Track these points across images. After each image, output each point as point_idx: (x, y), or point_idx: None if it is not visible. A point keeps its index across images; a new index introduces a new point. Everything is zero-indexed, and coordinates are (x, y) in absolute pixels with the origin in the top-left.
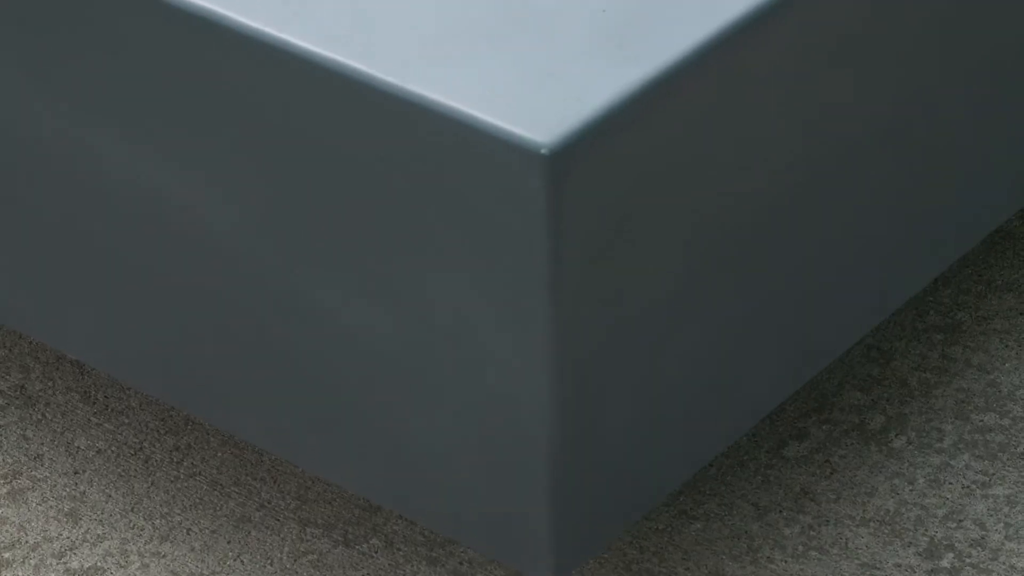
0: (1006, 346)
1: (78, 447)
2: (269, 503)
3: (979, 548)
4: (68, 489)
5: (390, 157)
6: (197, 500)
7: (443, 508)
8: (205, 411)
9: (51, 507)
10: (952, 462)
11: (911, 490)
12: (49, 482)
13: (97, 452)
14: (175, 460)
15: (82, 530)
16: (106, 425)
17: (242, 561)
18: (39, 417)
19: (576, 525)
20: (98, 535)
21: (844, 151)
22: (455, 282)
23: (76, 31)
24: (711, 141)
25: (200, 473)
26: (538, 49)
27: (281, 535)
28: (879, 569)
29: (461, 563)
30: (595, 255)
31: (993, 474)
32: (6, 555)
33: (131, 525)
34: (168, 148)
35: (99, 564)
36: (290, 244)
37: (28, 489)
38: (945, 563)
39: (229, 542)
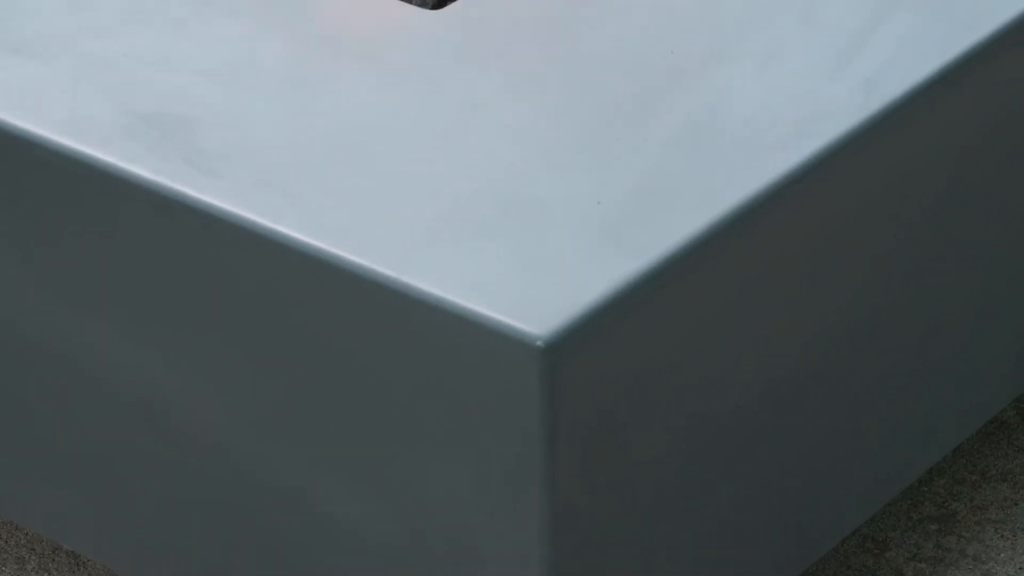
0: (1001, 536)
1: None
2: None
3: None
4: None
5: (384, 348)
6: None
7: None
8: None
9: None
10: None
11: None
12: None
13: None
14: None
15: None
16: None
17: None
18: None
19: None
20: None
21: (839, 342)
22: (450, 473)
23: (70, 222)
24: (707, 333)
25: None
26: (534, 241)
27: None
28: None
29: None
30: (590, 446)
31: None
32: None
33: None
34: (163, 340)
35: None
36: (285, 437)
37: None
38: None
39: None
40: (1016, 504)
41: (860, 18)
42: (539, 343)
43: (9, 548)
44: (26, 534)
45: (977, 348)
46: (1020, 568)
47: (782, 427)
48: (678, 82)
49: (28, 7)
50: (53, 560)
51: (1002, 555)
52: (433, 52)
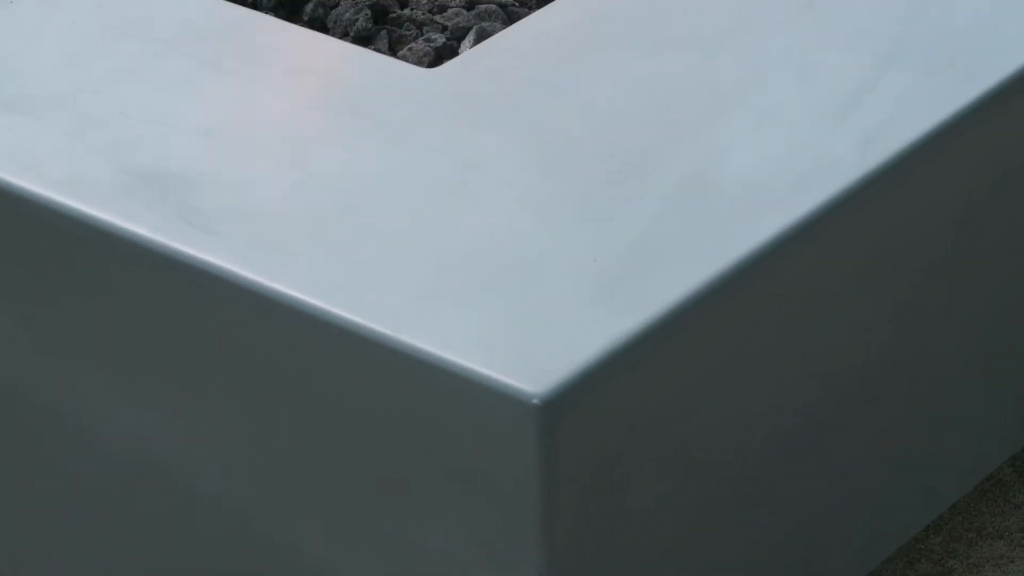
0: None
1: None
2: None
3: None
4: None
5: (382, 405)
6: None
7: None
8: None
9: None
10: None
11: None
12: None
13: None
14: None
15: None
16: None
17: None
18: None
19: None
20: None
21: (837, 400)
22: (448, 529)
23: (68, 280)
24: (704, 390)
25: None
26: (530, 298)
27: None
28: None
29: None
30: (587, 502)
31: None
32: None
33: None
34: (161, 398)
35: None
36: (282, 492)
37: None
38: None
39: None
40: (1012, 561)
41: (858, 75)
42: (536, 401)
43: None
44: None
45: (974, 406)
46: None
47: (779, 483)
48: (675, 139)
49: (25, 65)
50: None
51: None
52: (430, 111)
